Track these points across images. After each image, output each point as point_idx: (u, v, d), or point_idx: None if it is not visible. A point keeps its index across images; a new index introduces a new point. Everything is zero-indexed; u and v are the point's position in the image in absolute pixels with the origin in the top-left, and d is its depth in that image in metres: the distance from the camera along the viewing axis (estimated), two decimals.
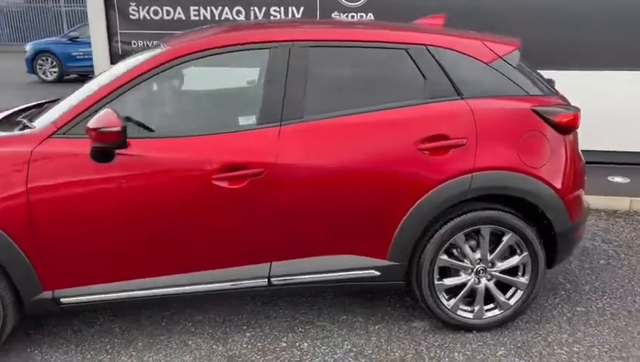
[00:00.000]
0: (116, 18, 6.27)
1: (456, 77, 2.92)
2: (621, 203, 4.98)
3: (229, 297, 3.33)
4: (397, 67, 2.94)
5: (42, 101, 3.59)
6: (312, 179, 2.81)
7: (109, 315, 3.29)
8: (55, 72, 13.67)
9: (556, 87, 3.25)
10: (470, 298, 3.09)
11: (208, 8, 6.08)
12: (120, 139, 2.57)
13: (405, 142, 2.84)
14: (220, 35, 3.02)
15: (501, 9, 5.53)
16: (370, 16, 5.85)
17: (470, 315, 3.09)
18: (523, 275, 3.07)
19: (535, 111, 2.94)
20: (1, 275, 2.69)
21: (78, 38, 13.63)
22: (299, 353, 2.95)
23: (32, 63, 13.65)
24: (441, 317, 3.07)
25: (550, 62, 4.96)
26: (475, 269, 3.02)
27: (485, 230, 2.96)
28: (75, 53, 13.45)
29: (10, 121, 3.09)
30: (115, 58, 6.23)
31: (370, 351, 2.96)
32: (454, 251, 3.02)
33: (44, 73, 13.70)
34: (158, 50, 2.94)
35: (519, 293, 3.09)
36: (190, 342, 3.05)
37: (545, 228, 3.03)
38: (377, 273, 2.95)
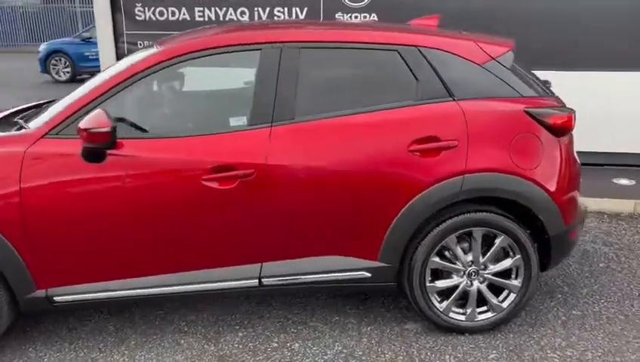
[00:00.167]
0: (122, 19, 6.34)
1: (448, 78, 2.90)
2: (625, 205, 4.90)
3: (222, 297, 3.35)
4: (388, 68, 2.93)
5: (41, 101, 3.64)
6: (303, 180, 2.81)
7: (104, 314, 3.32)
8: (68, 72, 13.83)
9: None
10: (463, 300, 3.08)
11: (213, 9, 6.12)
12: (109, 140, 2.60)
13: (396, 144, 2.83)
14: (213, 37, 3.04)
15: (501, 10, 5.50)
16: (374, 16, 5.84)
17: (462, 318, 3.08)
18: (516, 278, 3.05)
19: (528, 113, 2.91)
20: None
21: (90, 38, 13.70)
22: (289, 353, 2.96)
23: (45, 63, 13.82)
24: (433, 319, 3.06)
25: (552, 63, 4.94)
26: (467, 271, 3.00)
27: (477, 232, 2.94)
28: (88, 54, 13.56)
29: (8, 122, 3.14)
30: (121, 59, 6.27)
31: (360, 353, 2.96)
32: (446, 253, 3.01)
33: (57, 73, 13.86)
34: (151, 51, 2.96)
35: (512, 296, 3.07)
36: (182, 342, 3.07)
37: (539, 231, 3.01)
38: (368, 274, 2.95)
